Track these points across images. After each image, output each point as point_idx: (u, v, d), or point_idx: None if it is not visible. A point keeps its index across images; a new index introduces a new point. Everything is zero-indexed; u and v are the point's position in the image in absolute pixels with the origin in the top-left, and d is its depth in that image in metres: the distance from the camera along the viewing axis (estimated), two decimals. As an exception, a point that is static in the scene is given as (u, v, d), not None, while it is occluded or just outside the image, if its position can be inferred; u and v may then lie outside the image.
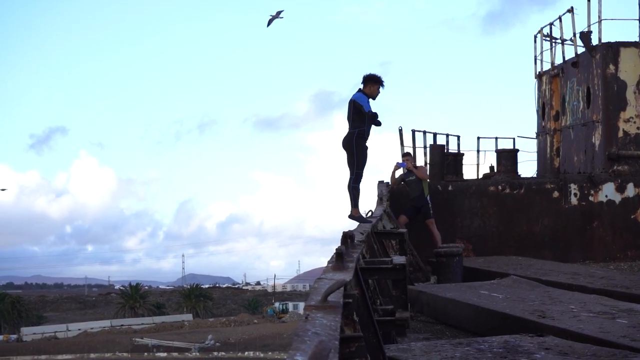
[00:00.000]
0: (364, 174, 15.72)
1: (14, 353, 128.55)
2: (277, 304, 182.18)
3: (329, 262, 7.96)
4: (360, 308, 7.16)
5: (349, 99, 15.86)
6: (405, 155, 22.52)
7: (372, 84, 15.85)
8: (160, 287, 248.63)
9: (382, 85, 16.04)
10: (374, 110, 15.86)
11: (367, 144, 15.69)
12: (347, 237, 8.61)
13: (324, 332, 4.49)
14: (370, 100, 15.83)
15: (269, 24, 28.92)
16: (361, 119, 15.45)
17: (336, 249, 7.76)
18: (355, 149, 15.36)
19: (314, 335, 4.43)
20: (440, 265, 17.82)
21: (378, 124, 15.90)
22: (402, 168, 21.63)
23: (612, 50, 24.06)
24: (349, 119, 15.79)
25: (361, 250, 9.74)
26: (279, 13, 29.24)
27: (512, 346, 8.64)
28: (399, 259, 10.19)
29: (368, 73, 16.03)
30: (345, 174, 15.46)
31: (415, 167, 21.88)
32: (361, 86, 15.91)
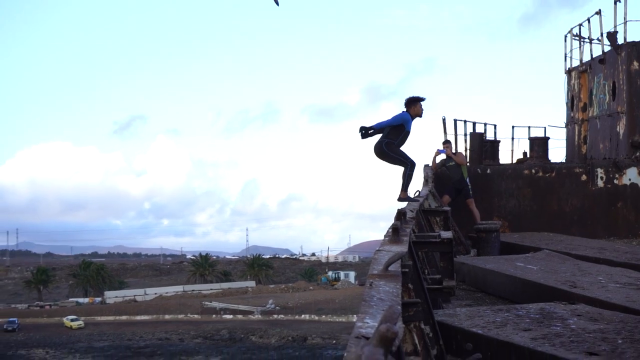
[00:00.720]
0: (414, 159, 15.48)
1: (98, 314, 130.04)
2: (330, 273, 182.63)
3: (385, 236, 8.09)
4: (413, 277, 7.31)
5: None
6: (445, 142, 22.56)
7: (414, 104, 15.45)
8: (226, 257, 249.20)
9: (423, 100, 15.68)
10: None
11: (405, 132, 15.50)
12: (401, 214, 8.73)
13: (387, 298, 4.63)
14: (417, 118, 15.61)
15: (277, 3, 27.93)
16: (397, 134, 15.20)
17: (392, 225, 7.89)
18: (391, 153, 15.27)
19: (379, 301, 4.59)
20: (479, 240, 17.85)
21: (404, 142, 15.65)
22: (441, 154, 21.75)
23: (637, 48, 23.96)
24: (383, 130, 15.48)
25: (412, 226, 9.84)
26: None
27: (547, 312, 8.71)
28: (446, 234, 10.30)
29: (408, 96, 15.65)
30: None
31: (454, 153, 21.94)
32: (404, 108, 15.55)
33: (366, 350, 2.05)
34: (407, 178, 15.38)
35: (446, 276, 9.74)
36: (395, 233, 7.48)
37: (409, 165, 15.31)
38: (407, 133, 15.40)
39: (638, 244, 19.60)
